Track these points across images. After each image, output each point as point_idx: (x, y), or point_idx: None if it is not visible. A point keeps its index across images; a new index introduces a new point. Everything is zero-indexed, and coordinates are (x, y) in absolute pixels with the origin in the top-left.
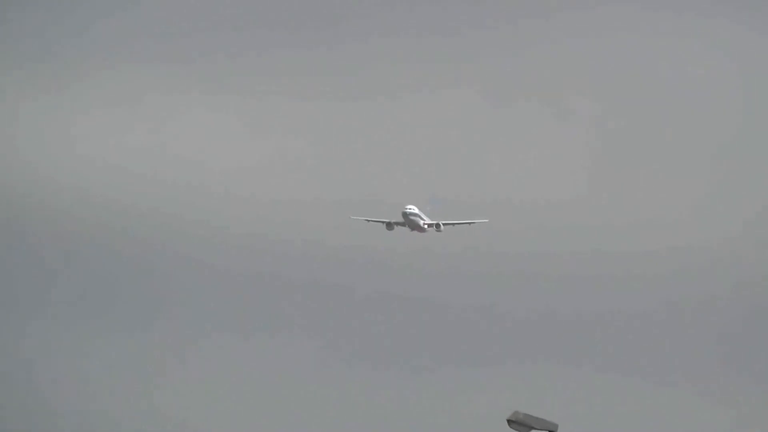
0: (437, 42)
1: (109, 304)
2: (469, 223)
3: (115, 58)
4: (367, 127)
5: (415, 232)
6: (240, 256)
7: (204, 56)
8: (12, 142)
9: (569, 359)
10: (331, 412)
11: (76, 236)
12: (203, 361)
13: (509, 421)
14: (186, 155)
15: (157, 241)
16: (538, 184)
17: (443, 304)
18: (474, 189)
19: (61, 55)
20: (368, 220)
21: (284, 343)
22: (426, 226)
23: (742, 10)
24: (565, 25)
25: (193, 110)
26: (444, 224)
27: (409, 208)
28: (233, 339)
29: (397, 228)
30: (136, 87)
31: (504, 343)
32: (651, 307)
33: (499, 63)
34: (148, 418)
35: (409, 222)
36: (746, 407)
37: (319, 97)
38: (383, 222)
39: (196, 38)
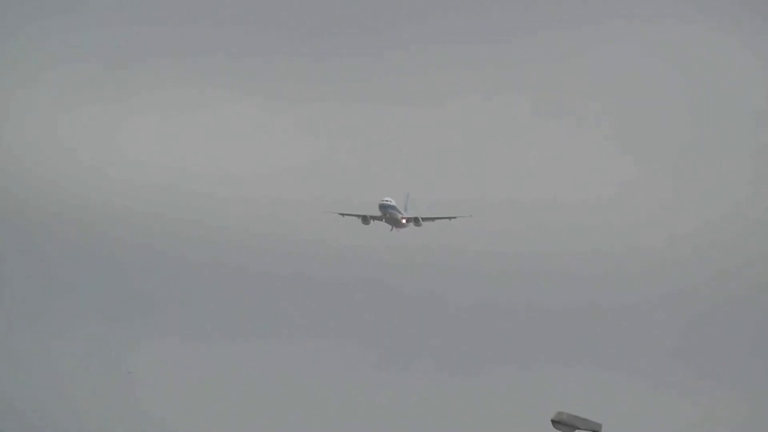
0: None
1: (114, 303)
2: (450, 218)
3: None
4: (385, 129)
5: (394, 229)
6: (243, 257)
7: (212, 53)
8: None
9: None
10: (329, 410)
11: (78, 236)
12: (192, 359)
13: (554, 422)
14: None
15: (145, 240)
16: (552, 184)
17: (449, 302)
18: (483, 187)
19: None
20: (342, 214)
21: (281, 340)
22: (404, 221)
23: None
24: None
25: (190, 110)
26: (423, 219)
27: (386, 200)
28: (232, 338)
29: (373, 222)
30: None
31: (515, 341)
32: (653, 304)
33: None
34: (147, 419)
35: (387, 215)
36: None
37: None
38: (358, 216)
39: (203, 33)
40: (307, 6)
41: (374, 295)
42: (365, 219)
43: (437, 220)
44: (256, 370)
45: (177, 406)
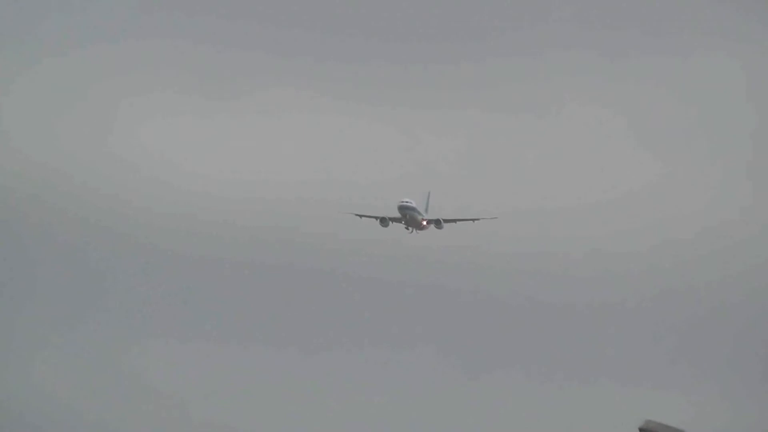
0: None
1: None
2: (474, 220)
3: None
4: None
5: (413, 231)
6: (270, 256)
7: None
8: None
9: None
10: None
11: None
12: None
13: (641, 430)
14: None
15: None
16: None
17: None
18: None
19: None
20: (360, 215)
21: (299, 343)
22: (424, 223)
23: None
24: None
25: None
26: (445, 221)
27: (406, 201)
28: (239, 339)
29: (392, 224)
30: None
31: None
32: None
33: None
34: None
35: (406, 217)
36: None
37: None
38: (377, 217)
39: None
40: (408, 11)
41: (388, 297)
42: (383, 221)
43: (459, 222)
44: (269, 371)
45: (225, 411)
